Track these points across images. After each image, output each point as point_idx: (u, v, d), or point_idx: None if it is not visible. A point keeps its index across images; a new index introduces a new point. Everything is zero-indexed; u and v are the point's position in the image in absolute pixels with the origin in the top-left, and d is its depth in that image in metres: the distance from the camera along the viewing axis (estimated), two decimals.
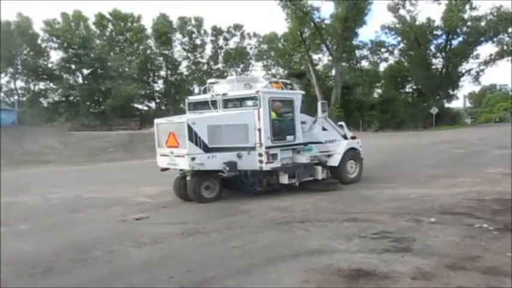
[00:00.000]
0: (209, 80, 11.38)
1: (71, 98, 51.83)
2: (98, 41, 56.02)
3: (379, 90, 57.53)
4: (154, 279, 5.22)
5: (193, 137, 9.49)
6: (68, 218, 9.25)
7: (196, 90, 60.46)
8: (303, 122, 11.24)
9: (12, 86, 53.78)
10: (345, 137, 12.54)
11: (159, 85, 61.89)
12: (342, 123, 13.05)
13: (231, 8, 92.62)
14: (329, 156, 11.98)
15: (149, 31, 57.91)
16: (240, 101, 10.65)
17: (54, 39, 53.73)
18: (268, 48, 61.59)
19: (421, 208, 8.48)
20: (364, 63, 56.12)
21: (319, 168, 11.27)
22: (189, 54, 61.26)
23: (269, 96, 10.22)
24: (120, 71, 52.30)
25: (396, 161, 17.21)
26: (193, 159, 9.48)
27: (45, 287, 5.20)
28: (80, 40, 50.90)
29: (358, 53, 53.41)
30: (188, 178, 10.08)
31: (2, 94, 52.20)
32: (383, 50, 53.93)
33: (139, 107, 58.65)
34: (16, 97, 52.46)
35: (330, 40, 50.53)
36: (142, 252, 6.47)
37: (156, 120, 10.44)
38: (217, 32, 61.47)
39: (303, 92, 11.53)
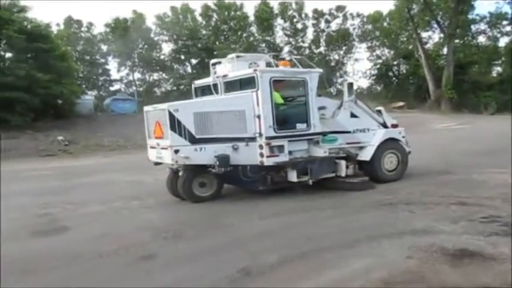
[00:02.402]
0: (212, 61, 9.96)
1: (181, 87, 53.78)
2: (204, 32, 57.85)
3: (499, 69, 50.57)
4: (276, 244, 5.80)
5: (176, 126, 8.21)
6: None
7: None
8: (321, 108, 9.38)
9: (131, 77, 57.48)
10: (384, 125, 10.35)
11: None
12: (380, 108, 10.76)
13: None
14: (360, 148, 9.94)
15: (251, 18, 58.28)
16: (240, 84, 9.12)
17: (165, 33, 56.86)
18: (372, 29, 57.54)
19: None
20: (481, 39, 49.20)
21: (343, 162, 9.31)
22: (291, 39, 60.00)
23: (270, 76, 8.53)
24: None
25: None
26: (176, 151, 8.22)
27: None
28: (187, 32, 53.73)
29: (474, 27, 47.44)
30: (180, 173, 8.88)
31: (123, 85, 56.74)
32: (504, 22, 47.14)
33: None
34: (134, 88, 56.10)
35: (441, 16, 45.72)
36: (265, 222, 7.19)
37: (145, 108, 9.31)
38: (318, 14, 59.01)
39: (320, 70, 9.54)
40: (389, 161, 10.06)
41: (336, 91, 47.84)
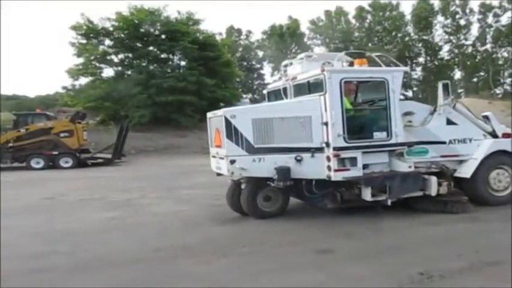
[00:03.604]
0: (284, 62, 8.95)
1: None
2: (356, 34, 59.12)
3: None
4: (443, 255, 5.50)
5: (232, 134, 7.37)
6: None
7: (458, 75, 58.45)
8: (408, 113, 7.86)
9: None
10: (493, 135, 8.42)
11: (417, 72, 61.13)
12: (488, 113, 8.77)
13: None
14: (459, 163, 8.17)
15: (408, 18, 57.53)
16: (309, 87, 8.01)
17: (318, 37, 59.75)
18: None
19: None
20: None
21: (433, 179, 7.66)
22: (451, 37, 57.32)
23: (340, 77, 7.29)
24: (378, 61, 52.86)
25: None
26: (232, 162, 7.38)
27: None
28: (340, 35, 55.57)
29: None
30: (243, 186, 8.03)
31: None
32: None
33: None
34: None
35: None
36: (427, 229, 6.89)
37: (208, 114, 8.59)
38: (486, 8, 54.45)
39: (406, 69, 8.00)
40: (497, 179, 8.15)
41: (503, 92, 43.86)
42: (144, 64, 33.98)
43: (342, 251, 5.87)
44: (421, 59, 60.51)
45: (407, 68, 8.18)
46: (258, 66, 60.76)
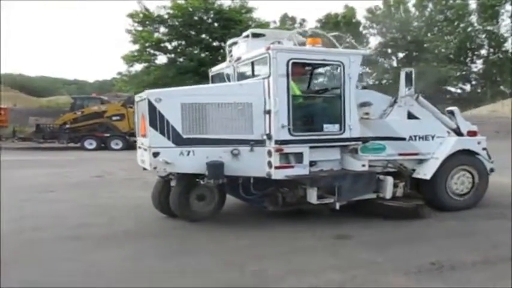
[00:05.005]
0: (229, 41, 7.76)
1: (384, 81, 54.01)
2: (415, 23, 56.98)
3: None
4: (459, 247, 5.34)
5: (157, 121, 6.11)
6: None
7: None
8: (365, 104, 6.84)
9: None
10: (458, 132, 7.54)
11: (477, 65, 58.11)
12: (453, 108, 7.86)
13: None
14: (419, 162, 7.24)
15: (472, 7, 54.79)
16: (253, 69, 6.85)
17: (374, 26, 58.20)
18: None
19: None
20: None
21: (389, 180, 6.72)
22: None
23: (288, 57, 6.13)
24: (436, 52, 51.72)
25: None
26: (155, 155, 6.15)
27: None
28: (398, 24, 53.47)
29: None
30: (173, 184, 6.83)
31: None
32: None
33: (453, 89, 57.09)
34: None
35: None
36: (449, 222, 6.61)
37: (136, 97, 7.21)
38: None
39: (365, 52, 6.98)
40: (459, 181, 7.29)
41: None
42: (196, 52, 33.86)
43: (360, 237, 5.84)
44: (483, 51, 56.54)
45: (367, 52, 7.16)
46: None
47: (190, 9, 33.03)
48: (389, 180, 6.70)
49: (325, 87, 7.15)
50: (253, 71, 6.77)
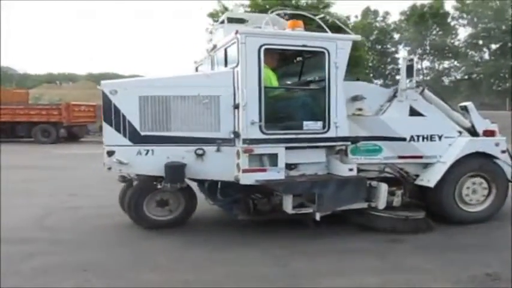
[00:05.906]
0: (209, 28, 7.03)
1: (474, 75, 51.22)
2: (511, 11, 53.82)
3: None
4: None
5: (112, 115, 5.43)
6: None
7: None
8: (356, 98, 5.86)
9: (419, 66, 55.68)
10: (472, 132, 6.40)
11: None
12: (467, 103, 6.68)
13: None
14: (424, 166, 6.17)
15: None
16: (226, 58, 5.97)
17: (464, 16, 54.25)
18: None
19: None
20: None
21: (383, 187, 5.70)
22: None
23: (260, 43, 5.24)
24: None
25: None
26: (110, 154, 5.45)
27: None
28: (491, 13, 49.05)
29: None
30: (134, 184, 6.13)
31: None
32: None
33: None
34: (421, 76, 53.45)
35: None
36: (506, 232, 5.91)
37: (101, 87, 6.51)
38: None
39: (356, 37, 5.92)
40: (471, 190, 6.16)
41: None
42: None
43: (414, 242, 5.45)
44: None
45: (358, 36, 6.00)
46: (393, 49, 57.63)
47: (267, 7, 33.00)
48: (383, 187, 5.67)
49: (309, 78, 6.17)
50: (225, 60, 5.91)
